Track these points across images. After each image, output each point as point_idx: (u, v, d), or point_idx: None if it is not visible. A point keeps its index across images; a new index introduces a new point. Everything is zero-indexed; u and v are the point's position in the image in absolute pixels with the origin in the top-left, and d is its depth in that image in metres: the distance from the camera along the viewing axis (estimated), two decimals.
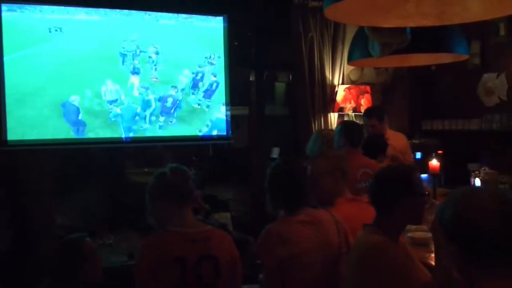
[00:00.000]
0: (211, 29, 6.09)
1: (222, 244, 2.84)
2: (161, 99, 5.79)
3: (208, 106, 6.05)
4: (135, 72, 5.66)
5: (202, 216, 5.85)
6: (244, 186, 7.32)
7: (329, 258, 2.97)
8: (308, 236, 2.94)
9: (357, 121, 6.07)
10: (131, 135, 5.66)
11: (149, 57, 5.71)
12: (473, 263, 1.64)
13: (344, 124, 4.84)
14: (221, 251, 2.80)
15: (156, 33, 5.79)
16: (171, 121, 5.84)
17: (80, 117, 5.42)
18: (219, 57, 6.09)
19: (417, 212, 2.65)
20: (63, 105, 5.35)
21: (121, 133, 5.62)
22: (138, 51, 5.66)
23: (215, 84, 6.09)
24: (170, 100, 5.83)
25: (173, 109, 5.85)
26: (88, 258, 2.88)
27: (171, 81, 5.86)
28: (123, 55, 5.61)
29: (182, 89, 5.90)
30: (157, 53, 5.74)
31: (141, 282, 2.74)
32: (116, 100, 5.57)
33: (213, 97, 6.09)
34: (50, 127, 5.32)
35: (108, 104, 5.54)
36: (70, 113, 5.40)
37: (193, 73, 5.94)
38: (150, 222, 3.03)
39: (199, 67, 5.98)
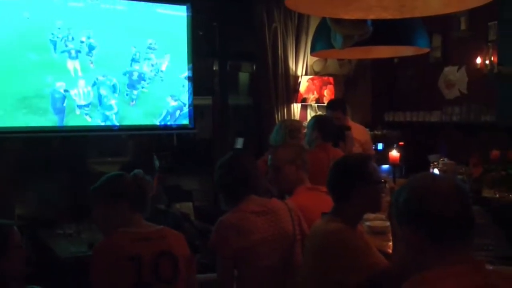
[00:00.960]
0: (172, 17, 6.07)
1: (178, 241, 2.78)
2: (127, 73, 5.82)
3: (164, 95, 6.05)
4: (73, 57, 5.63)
5: (164, 206, 5.85)
6: (208, 176, 7.31)
7: (284, 246, 3.01)
8: (262, 226, 2.97)
9: (320, 112, 6.12)
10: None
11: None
12: (427, 247, 1.67)
13: (317, 119, 4.92)
14: (178, 248, 2.74)
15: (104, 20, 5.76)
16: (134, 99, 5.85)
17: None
18: (177, 46, 6.07)
19: (374, 199, 2.70)
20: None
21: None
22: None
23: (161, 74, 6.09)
24: (135, 74, 5.86)
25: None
26: (10, 248, 2.66)
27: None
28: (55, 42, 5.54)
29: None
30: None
31: (95, 285, 2.65)
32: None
33: (169, 87, 6.09)
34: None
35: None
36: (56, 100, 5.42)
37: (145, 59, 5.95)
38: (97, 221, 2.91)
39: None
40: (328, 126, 4.79)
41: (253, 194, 3.08)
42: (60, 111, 5.50)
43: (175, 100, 6.10)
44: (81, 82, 5.59)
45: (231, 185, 3.06)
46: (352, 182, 2.63)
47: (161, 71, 6.01)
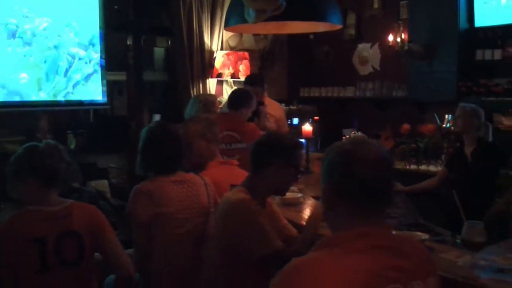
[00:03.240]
0: None
1: (85, 216, 2.66)
2: None
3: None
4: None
5: (78, 184, 5.72)
6: (124, 153, 7.20)
7: (198, 216, 3.03)
8: (179, 195, 2.99)
9: (236, 87, 6.11)
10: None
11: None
12: (343, 208, 1.69)
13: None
14: (84, 225, 2.63)
15: None
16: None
17: None
18: (89, 19, 5.91)
19: (284, 182, 2.70)
20: None
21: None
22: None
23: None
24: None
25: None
26: None
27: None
28: None
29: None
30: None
31: None
32: None
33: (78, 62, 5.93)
34: None
35: None
36: None
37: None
38: (13, 196, 2.80)
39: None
40: (235, 94, 4.81)
41: (177, 166, 3.09)
42: None
43: (86, 75, 5.93)
44: None
45: (159, 151, 3.04)
46: (270, 157, 2.64)
47: (72, 44, 5.82)
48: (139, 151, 3.11)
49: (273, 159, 2.62)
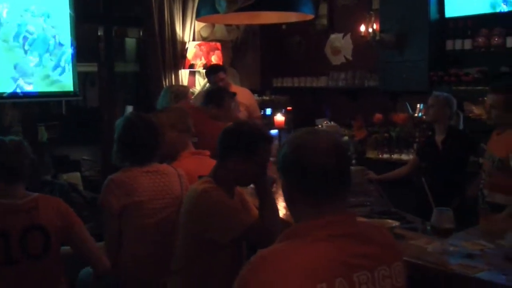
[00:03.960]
0: None
1: (51, 209, 2.66)
2: None
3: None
4: None
5: (50, 177, 5.67)
6: (96, 145, 7.16)
7: (170, 206, 3.03)
8: (151, 185, 2.99)
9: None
10: None
11: None
12: (303, 199, 1.70)
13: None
14: (50, 218, 2.62)
15: None
16: None
17: None
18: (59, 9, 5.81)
19: (246, 175, 2.61)
20: None
21: None
22: None
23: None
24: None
25: None
26: None
27: None
28: None
29: None
30: None
31: None
32: None
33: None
34: None
35: None
36: None
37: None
38: None
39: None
40: (212, 91, 4.77)
41: (152, 156, 3.09)
42: None
43: (56, 66, 5.85)
44: None
45: (135, 141, 3.03)
46: (232, 148, 2.58)
47: (41, 34, 5.73)
48: (115, 141, 3.10)
49: (235, 150, 2.56)
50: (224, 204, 2.52)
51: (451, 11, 5.77)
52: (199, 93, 6.45)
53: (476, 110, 5.23)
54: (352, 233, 1.66)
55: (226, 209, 2.50)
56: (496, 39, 5.41)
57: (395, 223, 2.83)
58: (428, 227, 2.65)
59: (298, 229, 1.67)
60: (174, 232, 2.92)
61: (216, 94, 4.54)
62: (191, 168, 3.24)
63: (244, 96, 5.41)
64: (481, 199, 3.70)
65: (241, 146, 2.56)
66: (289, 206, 1.79)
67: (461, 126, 4.47)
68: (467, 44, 5.64)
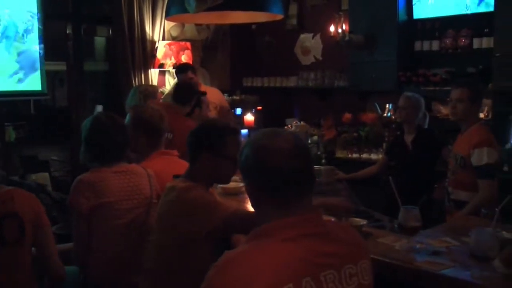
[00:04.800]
0: None
1: (25, 201, 2.69)
2: None
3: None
4: None
5: (18, 177, 5.59)
6: (66, 145, 7.08)
7: (140, 207, 3.01)
8: (120, 185, 2.97)
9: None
10: None
11: None
12: (267, 201, 1.71)
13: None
14: (24, 209, 2.65)
15: None
16: None
17: None
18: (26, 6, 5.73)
19: (220, 172, 2.62)
20: None
21: None
22: None
23: None
24: None
25: None
26: None
27: None
28: None
29: None
30: None
31: None
32: None
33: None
34: None
35: None
36: None
37: None
38: None
39: None
40: (179, 88, 4.75)
41: (120, 157, 3.06)
42: None
43: (24, 65, 5.77)
44: None
45: (103, 141, 2.99)
46: (200, 147, 2.59)
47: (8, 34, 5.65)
48: (82, 141, 3.06)
49: (203, 148, 2.58)
50: (206, 198, 2.52)
51: (419, 12, 5.85)
52: (169, 93, 6.42)
53: (444, 110, 5.31)
54: (318, 233, 1.67)
55: (209, 202, 2.50)
56: (463, 40, 5.50)
57: (363, 222, 2.85)
58: (396, 225, 2.68)
59: (264, 229, 1.66)
60: (143, 233, 2.91)
61: (181, 92, 4.57)
62: (160, 168, 3.22)
63: (213, 95, 5.39)
64: (446, 197, 3.78)
65: (207, 143, 2.57)
66: (254, 207, 1.79)
67: (426, 126, 4.54)
68: (435, 45, 5.74)
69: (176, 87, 4.71)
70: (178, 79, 5.49)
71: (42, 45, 5.83)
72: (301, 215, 1.67)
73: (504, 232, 2.44)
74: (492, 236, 2.15)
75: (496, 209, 2.31)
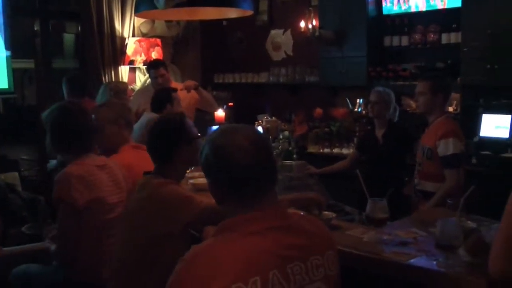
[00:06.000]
0: None
1: None
2: None
3: None
4: None
5: None
6: (35, 144, 6.99)
7: (123, 201, 2.99)
8: (106, 180, 2.95)
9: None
10: None
11: None
12: (228, 197, 1.71)
13: None
14: None
15: None
16: None
17: None
18: None
19: (195, 155, 2.62)
20: None
21: None
22: None
23: None
24: None
25: None
26: None
27: None
28: None
29: None
30: None
31: None
32: None
33: None
34: None
35: None
36: None
37: None
38: None
39: None
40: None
41: (89, 147, 3.03)
42: None
43: None
44: None
45: (72, 132, 2.95)
46: (172, 142, 2.61)
47: None
48: (50, 132, 2.99)
49: (175, 144, 2.61)
50: (181, 191, 2.54)
51: (388, 8, 5.90)
52: (139, 90, 6.38)
53: (414, 104, 5.36)
54: (283, 225, 1.68)
55: (184, 195, 2.51)
56: (431, 35, 5.57)
57: (332, 215, 2.86)
58: (364, 218, 2.70)
59: (229, 223, 1.67)
60: None
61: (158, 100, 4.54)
62: (131, 162, 3.21)
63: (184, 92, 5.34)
64: (414, 188, 3.86)
65: (179, 137, 2.61)
66: (218, 204, 1.79)
67: (396, 119, 4.59)
68: (404, 40, 5.80)
69: (154, 96, 4.65)
70: (150, 75, 5.45)
71: (8, 42, 5.74)
72: (266, 209, 1.68)
73: (468, 222, 2.47)
74: (457, 226, 2.17)
75: (461, 199, 2.34)
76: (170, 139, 2.63)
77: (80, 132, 2.97)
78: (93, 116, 3.40)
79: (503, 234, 1.80)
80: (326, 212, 2.92)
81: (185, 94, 5.08)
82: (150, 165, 2.73)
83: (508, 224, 1.79)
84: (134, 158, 3.29)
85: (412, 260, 2.26)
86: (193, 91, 5.24)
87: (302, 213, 2.42)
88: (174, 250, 2.46)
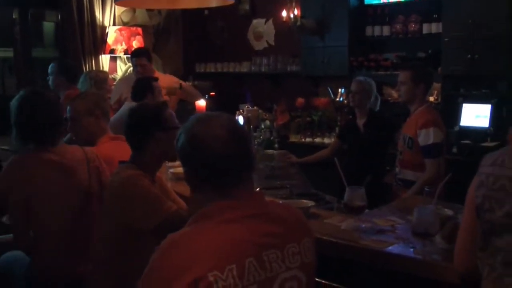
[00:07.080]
0: None
1: None
2: None
3: None
4: None
5: None
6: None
7: (78, 198, 2.91)
8: (55, 179, 2.84)
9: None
10: None
11: None
12: (204, 186, 1.70)
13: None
14: None
15: None
16: None
17: None
18: None
19: (171, 146, 2.62)
20: None
21: None
22: None
23: None
24: None
25: None
26: None
27: None
28: None
29: None
30: None
31: None
32: None
33: None
34: None
35: None
36: None
37: None
38: None
39: None
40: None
41: (55, 137, 2.92)
42: None
43: None
44: None
45: (35, 121, 2.83)
46: (147, 130, 2.57)
47: None
48: (13, 123, 2.88)
49: (150, 132, 2.57)
50: (149, 190, 2.48)
51: None
52: (122, 78, 6.33)
53: (395, 94, 5.38)
54: (260, 213, 1.67)
55: (151, 195, 2.47)
56: (412, 25, 5.58)
57: (311, 203, 2.87)
58: (342, 206, 2.71)
59: (207, 211, 1.66)
60: (87, 223, 2.86)
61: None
62: (111, 153, 3.14)
63: (166, 81, 5.27)
64: (394, 177, 3.88)
65: (155, 125, 2.57)
66: (195, 194, 1.77)
67: (377, 109, 4.60)
68: (386, 30, 5.81)
69: (135, 84, 4.58)
70: (131, 62, 5.39)
71: None
72: (242, 197, 1.68)
73: (446, 210, 2.49)
74: (433, 214, 2.18)
75: (438, 186, 2.35)
76: (144, 126, 2.59)
77: (41, 124, 2.83)
78: (68, 108, 3.36)
79: (465, 225, 1.84)
80: (305, 201, 2.93)
81: (167, 84, 5.05)
82: (128, 156, 2.71)
83: (468, 216, 1.83)
84: (113, 150, 3.22)
85: (389, 248, 2.28)
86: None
87: (280, 202, 2.43)
88: (152, 242, 2.46)
